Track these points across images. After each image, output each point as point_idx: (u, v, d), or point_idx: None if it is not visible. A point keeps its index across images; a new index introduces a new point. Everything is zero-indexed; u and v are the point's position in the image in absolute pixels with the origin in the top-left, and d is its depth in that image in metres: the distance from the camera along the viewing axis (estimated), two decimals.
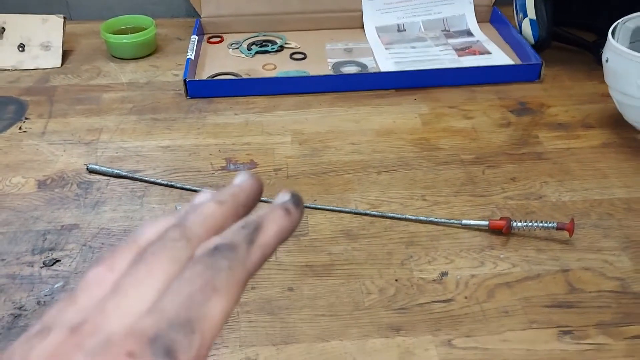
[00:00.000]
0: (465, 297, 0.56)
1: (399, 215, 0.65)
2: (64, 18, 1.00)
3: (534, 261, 0.60)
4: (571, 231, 0.60)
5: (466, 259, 0.60)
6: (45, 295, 0.57)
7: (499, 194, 0.68)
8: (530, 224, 0.61)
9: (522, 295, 0.56)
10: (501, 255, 0.60)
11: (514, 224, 0.61)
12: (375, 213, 0.66)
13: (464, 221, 0.63)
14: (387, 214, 0.65)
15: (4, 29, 0.99)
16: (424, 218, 0.64)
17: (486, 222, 0.63)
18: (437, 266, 0.59)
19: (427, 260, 0.60)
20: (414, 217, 0.65)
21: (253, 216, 0.24)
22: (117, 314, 0.20)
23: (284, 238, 0.24)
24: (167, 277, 0.21)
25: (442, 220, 0.64)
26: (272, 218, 0.23)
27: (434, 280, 0.58)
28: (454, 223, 0.64)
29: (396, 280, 0.58)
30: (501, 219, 0.63)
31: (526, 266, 0.59)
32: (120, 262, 0.22)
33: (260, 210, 0.24)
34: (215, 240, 0.22)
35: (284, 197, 0.25)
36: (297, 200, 0.25)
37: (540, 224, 0.61)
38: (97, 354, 0.18)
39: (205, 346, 0.20)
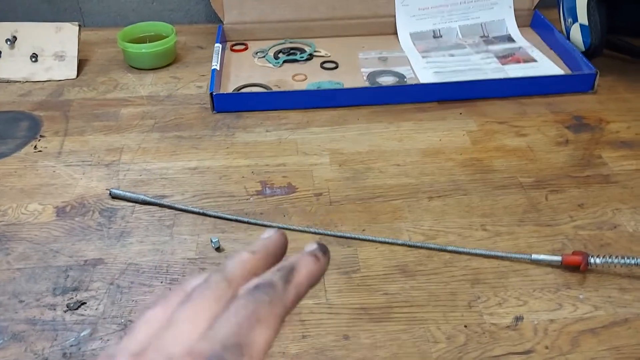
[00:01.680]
0: (546, 347, 0.49)
1: (461, 249, 0.58)
2: (79, 26, 0.93)
3: (618, 303, 0.53)
4: None
5: (541, 300, 0.54)
6: (71, 346, 0.51)
7: (568, 223, 0.62)
8: (610, 260, 0.55)
9: (612, 345, 0.49)
10: (580, 296, 0.54)
11: (592, 260, 0.55)
12: (433, 246, 0.59)
13: (534, 256, 0.57)
14: (447, 247, 0.59)
15: (15, 38, 0.93)
16: (489, 252, 0.58)
17: (559, 258, 0.56)
18: (510, 309, 0.53)
19: (497, 301, 0.54)
20: (478, 251, 0.58)
21: (286, 261, 0.26)
22: (174, 341, 0.22)
23: (314, 281, 0.26)
24: (214, 312, 0.23)
25: (509, 255, 0.58)
26: (303, 263, 0.26)
27: (508, 327, 0.51)
28: (522, 258, 0.57)
29: (465, 326, 0.51)
30: (574, 253, 0.56)
31: (611, 309, 0.52)
32: (172, 303, 0.24)
33: (292, 257, 0.27)
34: (255, 280, 0.25)
35: (311, 246, 0.28)
36: (323, 248, 0.28)
37: (622, 260, 0.54)
38: None
39: None
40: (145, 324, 0.24)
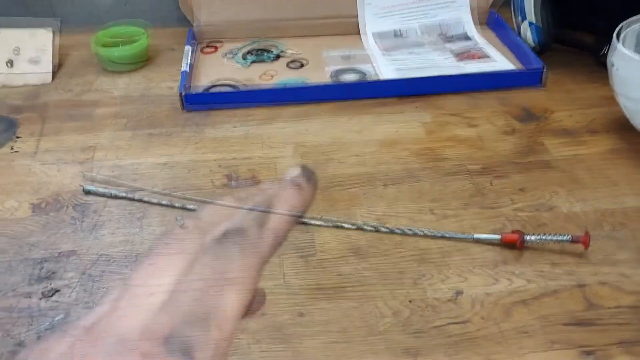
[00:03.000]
0: (482, 318, 0.54)
1: (409, 231, 0.63)
2: (54, 32, 0.97)
3: (549, 276, 0.58)
4: (586, 244, 0.59)
5: (480, 276, 0.58)
6: (46, 330, 0.55)
7: (509, 205, 0.67)
8: (544, 237, 0.60)
9: (540, 314, 0.54)
10: (516, 271, 0.59)
11: (527, 237, 0.60)
12: (384, 229, 0.64)
13: (476, 235, 0.62)
14: (396, 230, 0.63)
15: None
16: (435, 233, 0.63)
17: (498, 236, 0.61)
18: (451, 285, 0.58)
19: (440, 278, 0.58)
20: (423, 232, 0.63)
21: (262, 196, 0.22)
22: (130, 312, 0.19)
23: (297, 218, 0.23)
24: (179, 270, 0.20)
25: (453, 235, 0.63)
26: (282, 197, 0.22)
27: (449, 300, 0.56)
28: (465, 237, 0.62)
29: (410, 301, 0.56)
30: (513, 232, 0.61)
31: (542, 282, 0.57)
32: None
33: (270, 188, 0.23)
34: (224, 225, 0.21)
35: (293, 172, 0.23)
36: (308, 173, 0.23)
37: (554, 237, 0.59)
38: (111, 355, 0.18)
39: (224, 340, 0.19)
40: (107, 294, 0.21)
